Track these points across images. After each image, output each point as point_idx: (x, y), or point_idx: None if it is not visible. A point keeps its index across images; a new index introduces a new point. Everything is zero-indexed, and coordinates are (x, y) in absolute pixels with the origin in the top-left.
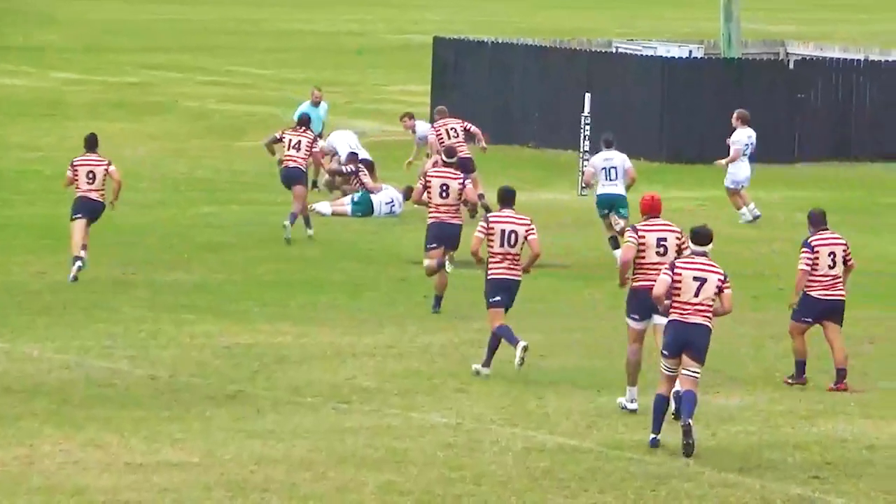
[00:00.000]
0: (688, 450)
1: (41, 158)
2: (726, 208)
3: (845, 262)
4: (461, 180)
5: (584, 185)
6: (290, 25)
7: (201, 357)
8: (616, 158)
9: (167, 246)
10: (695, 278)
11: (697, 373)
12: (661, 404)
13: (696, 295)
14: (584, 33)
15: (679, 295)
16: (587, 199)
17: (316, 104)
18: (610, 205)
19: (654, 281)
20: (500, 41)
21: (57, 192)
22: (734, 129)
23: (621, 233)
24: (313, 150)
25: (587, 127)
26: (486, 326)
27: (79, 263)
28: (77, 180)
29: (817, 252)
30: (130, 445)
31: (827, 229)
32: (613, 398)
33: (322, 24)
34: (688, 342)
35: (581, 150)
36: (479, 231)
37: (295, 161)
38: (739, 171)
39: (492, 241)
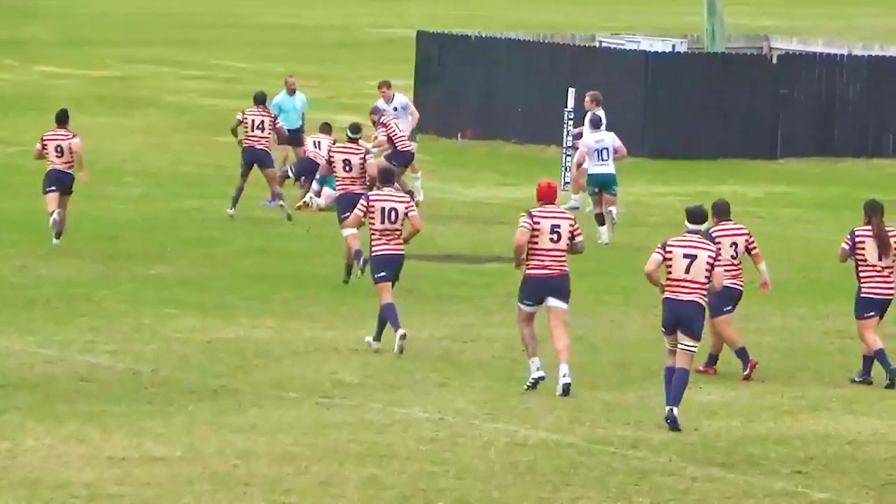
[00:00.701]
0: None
1: (23, 153)
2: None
3: (749, 251)
4: (362, 155)
5: (577, 164)
6: (273, 19)
7: (184, 351)
8: (606, 139)
9: (150, 240)
10: (685, 255)
11: (693, 347)
12: (670, 376)
13: (687, 272)
14: (567, 28)
15: (671, 272)
16: (570, 195)
17: (291, 93)
18: (601, 184)
19: (547, 266)
20: (483, 35)
21: (39, 187)
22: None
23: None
24: (276, 127)
25: (570, 122)
26: (470, 321)
27: (54, 216)
28: (47, 154)
29: (719, 243)
30: (113, 439)
31: (730, 220)
32: (596, 393)
33: (305, 18)
34: (680, 319)
35: (564, 144)
36: (359, 209)
37: (259, 142)
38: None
39: (373, 219)
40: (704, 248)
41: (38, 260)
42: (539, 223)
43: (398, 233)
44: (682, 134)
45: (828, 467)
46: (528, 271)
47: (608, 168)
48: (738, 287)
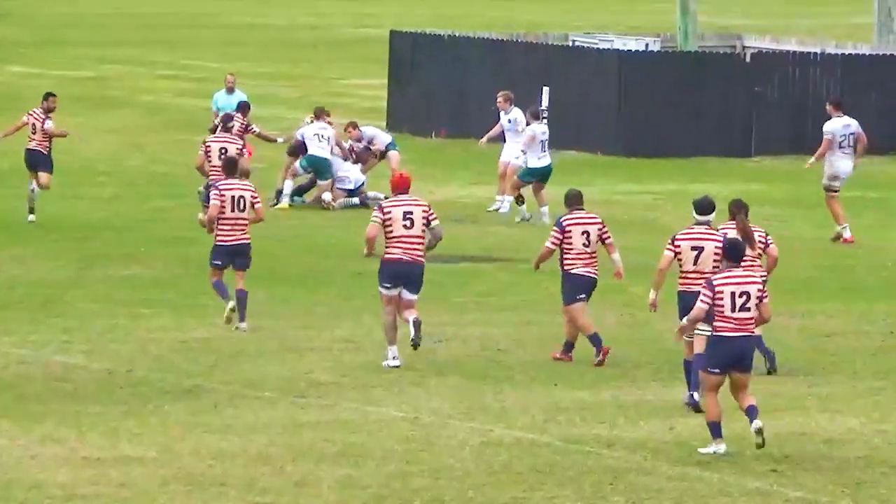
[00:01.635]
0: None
1: None
2: (683, 202)
3: (602, 240)
4: (239, 146)
5: (522, 149)
6: (246, 19)
7: (158, 351)
8: (548, 131)
9: (123, 240)
10: (692, 248)
11: (709, 331)
12: (688, 366)
13: (695, 263)
14: (540, 27)
15: (682, 266)
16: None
17: (230, 91)
18: (542, 175)
19: (404, 251)
20: (457, 35)
21: (13, 187)
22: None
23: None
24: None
25: (544, 120)
26: (444, 320)
27: (33, 186)
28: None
29: (569, 231)
30: (88, 440)
31: (582, 209)
32: (571, 392)
33: (278, 17)
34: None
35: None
36: (214, 199)
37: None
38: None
39: (223, 208)
40: (711, 239)
41: (11, 260)
42: (390, 212)
43: (245, 222)
44: (656, 132)
45: (803, 466)
46: (385, 257)
47: (549, 160)
48: (592, 275)
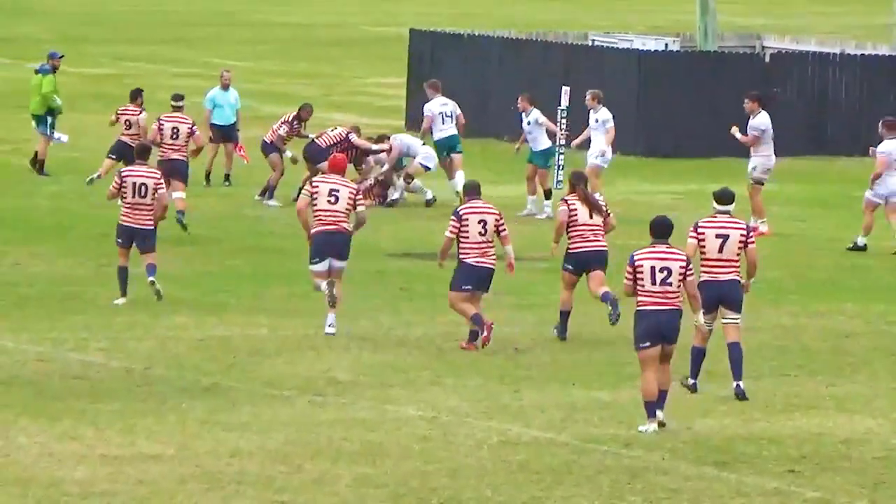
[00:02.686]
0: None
1: (15, 150)
2: (703, 202)
3: (498, 231)
4: (189, 126)
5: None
6: (266, 17)
7: (177, 349)
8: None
9: None
10: (717, 235)
11: (738, 319)
12: (698, 355)
13: (720, 251)
14: (560, 26)
15: (706, 253)
16: (563, 193)
17: (225, 87)
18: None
19: (333, 225)
20: (476, 34)
21: (31, 184)
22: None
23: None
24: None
25: (564, 120)
26: (462, 319)
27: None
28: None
29: (466, 220)
30: (106, 437)
31: (479, 199)
32: (589, 392)
33: (298, 15)
34: (722, 297)
35: (557, 143)
36: (114, 186)
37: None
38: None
39: (125, 193)
40: (736, 227)
41: (31, 257)
42: (318, 187)
43: (150, 207)
44: (674, 132)
45: (821, 466)
46: (313, 231)
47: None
48: (487, 265)
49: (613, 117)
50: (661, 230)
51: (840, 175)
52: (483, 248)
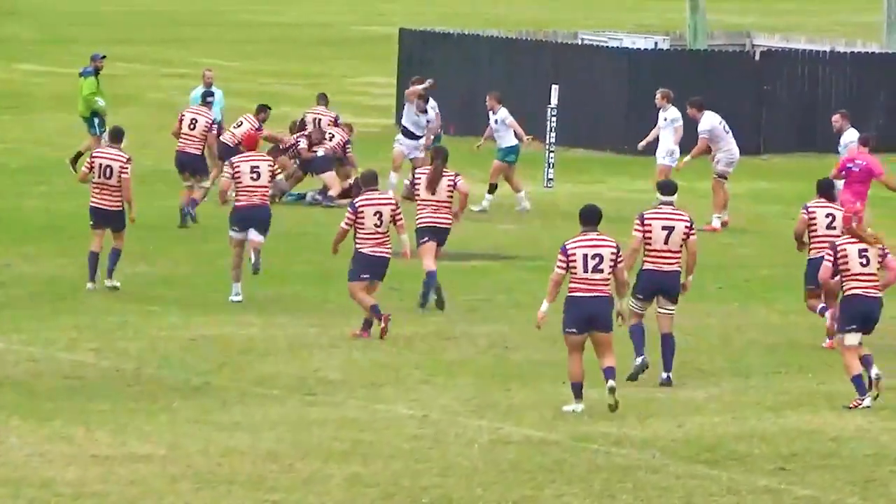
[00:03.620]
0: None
1: (6, 151)
2: (693, 200)
3: (395, 221)
4: (209, 119)
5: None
6: (255, 17)
7: (167, 349)
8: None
9: (134, 238)
10: (663, 227)
11: (674, 310)
12: (640, 333)
13: (666, 242)
14: (550, 25)
15: (651, 244)
16: (553, 192)
17: (208, 86)
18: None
19: (250, 197)
20: (466, 33)
21: (23, 185)
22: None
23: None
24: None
25: (554, 118)
26: (452, 318)
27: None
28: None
29: (362, 211)
30: (97, 438)
31: (377, 189)
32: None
33: (288, 15)
34: (662, 287)
35: (547, 141)
36: (85, 167)
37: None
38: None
39: (93, 175)
40: (680, 219)
41: (21, 258)
42: (239, 167)
43: (112, 188)
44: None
45: (811, 464)
46: (238, 204)
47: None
48: (382, 255)
49: (604, 116)
50: (590, 218)
51: (829, 172)
52: (379, 238)
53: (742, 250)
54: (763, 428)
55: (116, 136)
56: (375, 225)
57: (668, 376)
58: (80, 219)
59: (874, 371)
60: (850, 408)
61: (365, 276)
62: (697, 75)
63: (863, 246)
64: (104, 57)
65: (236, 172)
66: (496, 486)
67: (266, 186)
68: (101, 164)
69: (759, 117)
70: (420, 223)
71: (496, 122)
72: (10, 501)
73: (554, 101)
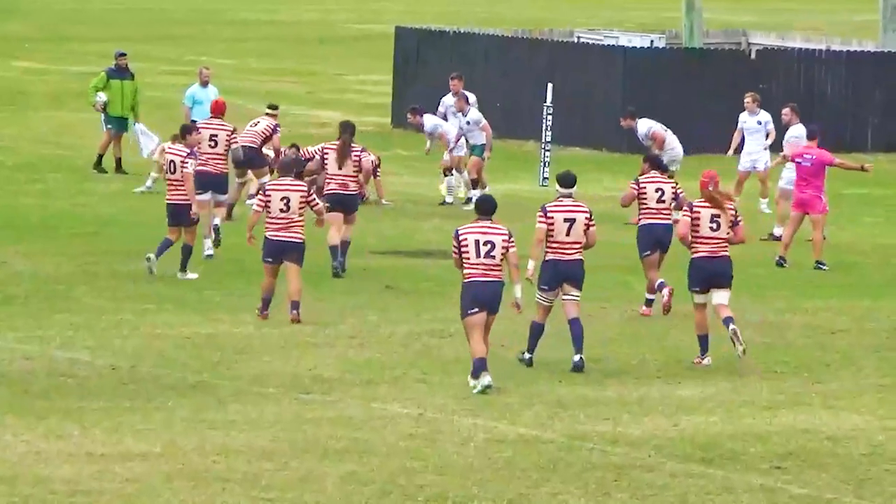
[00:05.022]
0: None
1: (2, 148)
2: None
3: (308, 204)
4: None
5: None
6: (251, 15)
7: (163, 347)
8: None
9: (129, 236)
10: (565, 219)
11: (579, 296)
12: (538, 330)
13: (568, 234)
14: (546, 23)
15: (553, 236)
16: (548, 190)
17: (205, 84)
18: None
19: (207, 163)
20: (462, 31)
21: (18, 183)
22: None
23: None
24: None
25: (549, 117)
26: (447, 316)
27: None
28: None
29: (269, 196)
30: (92, 436)
31: (290, 176)
32: (575, 389)
33: (284, 13)
34: (568, 276)
35: (543, 140)
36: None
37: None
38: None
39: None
40: (581, 211)
41: (17, 256)
42: (200, 133)
43: (179, 182)
44: None
45: (807, 463)
46: (197, 170)
47: None
48: (285, 239)
49: (600, 115)
50: (485, 207)
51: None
52: (285, 222)
53: (737, 249)
54: (759, 427)
55: (183, 133)
56: (281, 210)
57: (581, 358)
58: (76, 217)
59: (732, 327)
60: (694, 363)
61: (268, 259)
62: (693, 74)
63: (716, 211)
64: (123, 54)
65: (184, 164)
66: (491, 484)
67: (223, 155)
68: (168, 160)
69: None
70: (328, 193)
71: (469, 123)
72: (6, 499)
73: (549, 99)
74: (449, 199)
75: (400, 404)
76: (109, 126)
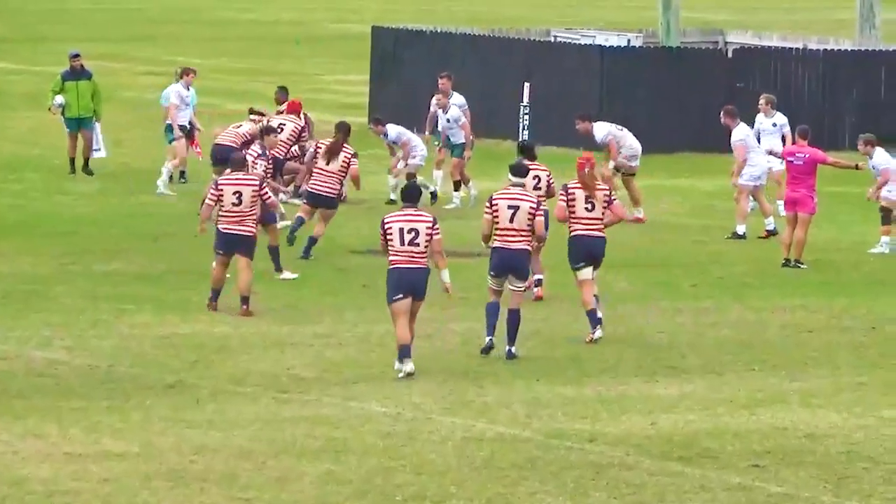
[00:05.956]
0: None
1: None
2: (664, 197)
3: (261, 197)
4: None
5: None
6: (229, 14)
7: (140, 347)
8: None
9: (107, 236)
10: (509, 207)
11: (522, 287)
12: (494, 310)
13: (511, 221)
14: (522, 22)
15: (499, 223)
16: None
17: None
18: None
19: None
20: (439, 30)
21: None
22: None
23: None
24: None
25: (526, 116)
26: (426, 315)
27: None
28: None
29: (221, 190)
30: (70, 435)
31: (241, 171)
32: (553, 387)
33: (261, 13)
34: (511, 266)
35: (520, 139)
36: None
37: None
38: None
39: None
40: (526, 200)
41: None
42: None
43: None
44: (637, 128)
45: (784, 461)
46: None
47: None
48: (237, 232)
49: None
50: (409, 196)
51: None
52: (237, 217)
53: (715, 247)
54: (736, 425)
55: (262, 133)
56: (233, 203)
57: (512, 350)
58: (54, 217)
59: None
60: (587, 342)
61: (220, 251)
62: (670, 73)
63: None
64: (76, 55)
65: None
66: (469, 483)
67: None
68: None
69: None
70: (309, 188)
71: (448, 121)
72: None
73: (526, 98)
74: (393, 197)
75: (377, 403)
76: (70, 129)
